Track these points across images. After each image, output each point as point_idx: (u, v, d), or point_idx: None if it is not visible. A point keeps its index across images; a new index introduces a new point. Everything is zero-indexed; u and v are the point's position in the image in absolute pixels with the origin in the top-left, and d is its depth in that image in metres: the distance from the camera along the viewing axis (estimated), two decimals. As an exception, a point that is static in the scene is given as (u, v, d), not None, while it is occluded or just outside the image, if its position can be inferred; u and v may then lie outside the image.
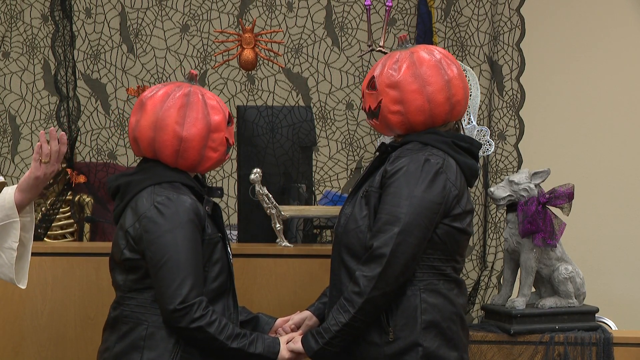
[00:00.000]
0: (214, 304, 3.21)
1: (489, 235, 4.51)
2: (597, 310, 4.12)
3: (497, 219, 4.49)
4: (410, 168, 3.19)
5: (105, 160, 4.67)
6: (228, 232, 4.50)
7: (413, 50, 3.31)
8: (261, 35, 4.20)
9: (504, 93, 4.52)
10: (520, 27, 4.50)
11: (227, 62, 4.35)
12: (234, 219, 4.60)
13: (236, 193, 4.46)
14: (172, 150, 3.22)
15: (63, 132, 3.37)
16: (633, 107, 5.67)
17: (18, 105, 4.83)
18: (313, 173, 4.58)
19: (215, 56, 4.58)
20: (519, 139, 4.47)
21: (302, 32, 4.68)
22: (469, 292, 4.44)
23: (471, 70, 4.13)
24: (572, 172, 5.22)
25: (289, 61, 4.69)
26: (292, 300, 3.90)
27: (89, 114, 4.66)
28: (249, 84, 4.73)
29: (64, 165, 4.64)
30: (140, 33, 4.68)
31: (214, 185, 4.65)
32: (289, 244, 4.05)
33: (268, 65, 4.68)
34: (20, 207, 3.36)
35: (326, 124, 4.69)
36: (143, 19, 4.68)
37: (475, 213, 4.50)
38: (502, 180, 4.11)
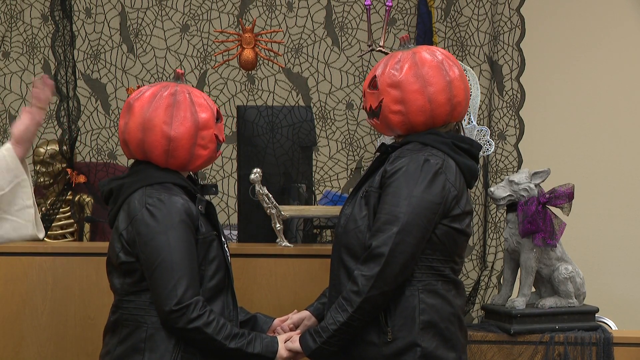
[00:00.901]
0: (212, 302, 3.21)
1: (489, 235, 4.51)
2: (597, 310, 4.12)
3: (497, 219, 4.50)
4: (410, 168, 3.19)
5: (105, 160, 4.67)
6: (228, 232, 4.52)
7: (415, 50, 3.31)
8: (261, 35, 4.20)
9: (504, 93, 4.52)
10: (520, 27, 4.51)
11: (227, 62, 4.35)
12: (234, 219, 4.60)
13: (236, 193, 4.46)
14: (162, 150, 3.22)
15: (50, 80, 3.39)
16: (633, 107, 5.67)
17: (18, 105, 4.84)
18: (313, 173, 4.58)
19: (215, 56, 4.59)
20: (519, 139, 4.47)
21: (302, 32, 4.69)
22: (469, 292, 4.44)
23: (471, 70, 4.13)
24: (572, 172, 5.22)
25: (289, 61, 4.69)
26: (292, 300, 3.90)
27: (89, 114, 4.66)
28: (249, 84, 4.73)
29: (64, 165, 4.64)
30: (140, 33, 4.68)
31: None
32: (289, 244, 4.05)
33: (268, 65, 4.68)
34: (22, 161, 3.35)
35: (326, 124, 4.69)
36: (143, 19, 4.68)
37: (475, 213, 4.50)
38: (502, 180, 4.12)
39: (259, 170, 3.98)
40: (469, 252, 4.56)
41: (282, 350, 3.23)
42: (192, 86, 4.41)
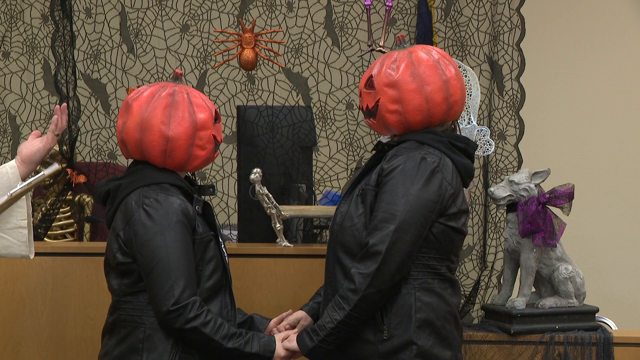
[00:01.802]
0: (210, 302, 3.21)
1: (489, 235, 4.51)
2: (597, 310, 4.12)
3: (497, 219, 4.49)
4: (407, 166, 3.20)
5: (105, 160, 4.67)
6: (228, 232, 4.52)
7: (411, 50, 3.32)
8: (261, 35, 4.20)
9: (504, 93, 4.52)
10: (520, 27, 4.50)
11: (227, 62, 4.35)
12: (234, 219, 4.60)
13: (236, 193, 4.46)
14: (160, 150, 3.22)
15: (64, 104, 3.40)
16: (633, 107, 5.67)
17: (18, 105, 4.84)
18: (313, 173, 4.58)
19: (215, 56, 4.59)
20: (519, 139, 4.47)
21: (302, 32, 4.69)
22: (469, 292, 4.44)
23: (471, 70, 4.13)
24: (572, 172, 5.23)
25: (289, 61, 4.69)
26: (292, 300, 3.90)
27: (89, 114, 4.66)
28: (249, 84, 4.73)
29: (64, 165, 4.64)
30: (140, 33, 4.68)
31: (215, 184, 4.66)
32: (289, 244, 4.05)
33: (268, 65, 4.68)
34: (23, 180, 3.35)
35: (326, 124, 4.69)
36: (143, 19, 4.68)
37: (475, 213, 4.50)
38: (502, 180, 4.11)
39: (259, 170, 3.98)
40: (469, 252, 4.56)
41: (279, 350, 3.24)
42: (192, 86, 4.42)
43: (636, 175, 5.65)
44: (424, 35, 4.79)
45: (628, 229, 5.65)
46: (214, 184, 4.56)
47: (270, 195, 4.01)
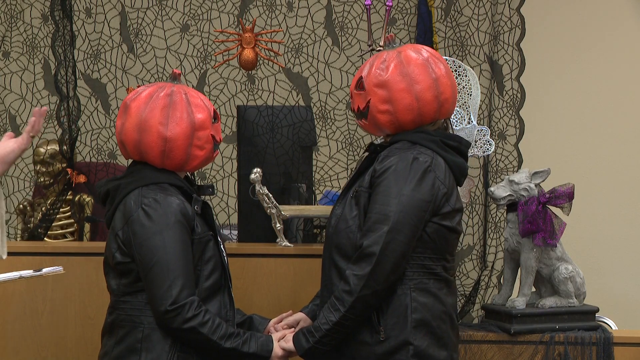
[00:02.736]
0: (209, 302, 3.21)
1: (489, 235, 4.51)
2: (597, 310, 4.12)
3: (497, 218, 4.50)
4: (399, 167, 3.20)
5: (105, 160, 4.67)
6: (228, 232, 4.52)
7: (400, 49, 3.32)
8: (261, 35, 4.20)
9: (504, 93, 4.52)
10: (520, 26, 4.51)
11: (227, 62, 4.35)
12: (234, 219, 4.60)
13: (236, 193, 4.46)
14: (158, 151, 3.22)
15: (45, 107, 3.37)
16: (633, 107, 5.67)
17: (18, 105, 4.84)
18: (313, 173, 4.58)
19: (215, 56, 4.58)
20: (519, 138, 4.47)
21: (302, 32, 4.69)
22: (469, 292, 4.44)
23: (471, 70, 4.13)
24: (572, 172, 5.22)
25: (289, 61, 4.69)
26: (292, 300, 3.90)
27: (89, 114, 4.66)
28: (249, 84, 4.73)
29: (64, 165, 4.64)
30: (140, 33, 4.68)
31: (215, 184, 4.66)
32: (289, 244, 4.05)
33: (268, 65, 4.68)
34: None
35: (326, 123, 4.69)
36: (143, 19, 4.68)
37: (475, 213, 4.50)
38: (502, 180, 4.12)
39: (259, 170, 3.98)
40: (469, 252, 4.56)
41: (277, 349, 3.24)
42: (192, 86, 4.42)
43: (636, 175, 5.65)
44: (424, 35, 4.79)
45: (628, 229, 5.65)
46: (214, 184, 4.56)
47: (271, 195, 4.01)
